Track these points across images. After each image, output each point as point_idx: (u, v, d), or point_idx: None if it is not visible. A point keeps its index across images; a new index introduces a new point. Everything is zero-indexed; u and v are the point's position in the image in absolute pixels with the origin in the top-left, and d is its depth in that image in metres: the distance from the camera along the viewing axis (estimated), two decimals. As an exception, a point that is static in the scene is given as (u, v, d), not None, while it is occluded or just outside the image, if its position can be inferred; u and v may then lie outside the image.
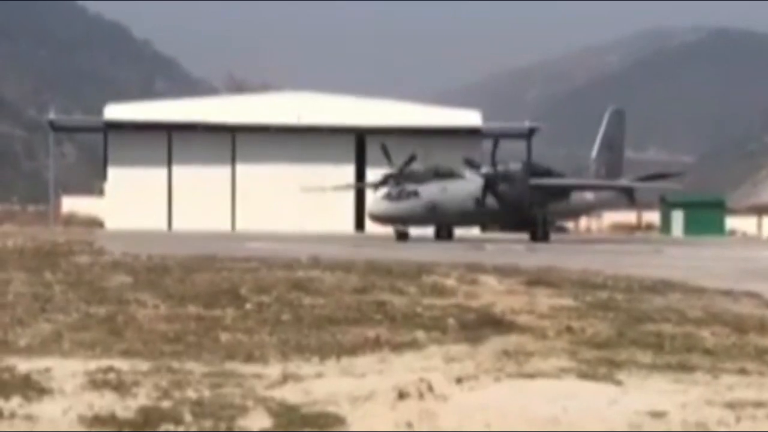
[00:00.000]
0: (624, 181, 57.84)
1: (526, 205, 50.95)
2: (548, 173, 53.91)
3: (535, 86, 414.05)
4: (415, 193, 50.49)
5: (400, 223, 50.28)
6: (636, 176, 60.69)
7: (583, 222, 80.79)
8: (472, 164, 51.44)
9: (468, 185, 50.88)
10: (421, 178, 51.18)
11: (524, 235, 52.71)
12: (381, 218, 50.63)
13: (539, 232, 51.32)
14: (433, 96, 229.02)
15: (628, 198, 58.38)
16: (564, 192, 53.46)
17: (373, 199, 52.19)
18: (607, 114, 62.79)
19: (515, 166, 51.66)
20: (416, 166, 52.21)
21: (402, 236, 49.59)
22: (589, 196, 57.12)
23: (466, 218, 52.22)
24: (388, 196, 50.76)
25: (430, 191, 50.70)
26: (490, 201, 50.61)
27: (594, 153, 61.18)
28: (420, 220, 50.77)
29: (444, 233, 52.75)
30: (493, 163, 50.95)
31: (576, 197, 55.26)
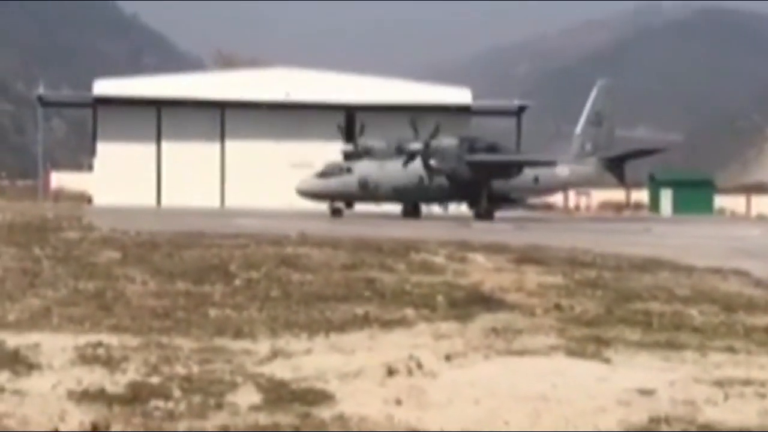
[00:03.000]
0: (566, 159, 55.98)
1: (464, 181, 50.08)
2: (492, 149, 52.86)
3: (525, 63, 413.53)
4: (348, 170, 50.15)
5: (330, 199, 50.00)
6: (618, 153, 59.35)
7: (572, 200, 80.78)
8: (415, 128, 50.27)
9: (411, 162, 50.20)
10: (382, 155, 50.86)
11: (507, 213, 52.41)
12: (308, 195, 50.16)
13: (481, 209, 50.44)
14: (423, 72, 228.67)
15: (617, 176, 57.70)
16: (513, 168, 51.70)
17: (304, 176, 51.45)
18: (595, 88, 60.91)
19: (449, 142, 50.41)
20: (378, 143, 51.86)
21: (336, 212, 49.44)
22: (562, 172, 55.65)
23: (403, 195, 51.19)
24: (320, 173, 50.48)
25: (365, 168, 50.28)
26: (429, 177, 49.89)
27: (578, 128, 59.69)
28: (351, 196, 50.26)
29: (409, 210, 52.30)
30: (426, 140, 49.87)
31: (545, 174, 53.91)
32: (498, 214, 51.80)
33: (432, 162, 49.64)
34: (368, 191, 50.24)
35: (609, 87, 61.36)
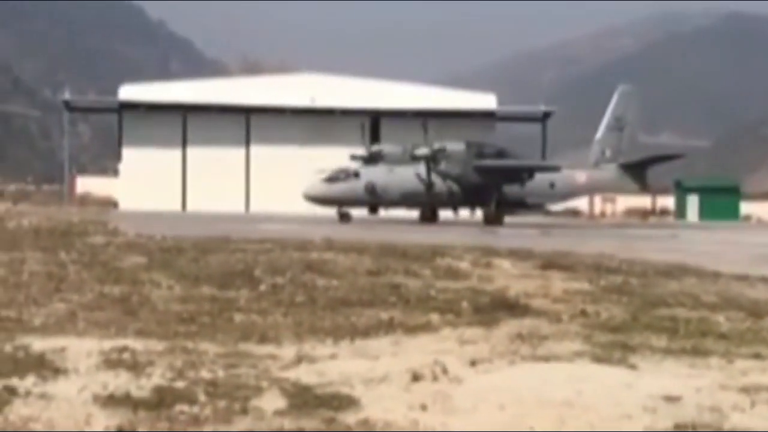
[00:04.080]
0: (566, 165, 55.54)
1: (472, 186, 50.00)
2: (500, 154, 52.59)
3: (550, 69, 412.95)
4: (356, 175, 50.13)
5: (336, 204, 49.92)
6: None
7: (598, 206, 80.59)
8: (425, 131, 50.18)
9: (419, 167, 50.11)
10: (396, 160, 50.84)
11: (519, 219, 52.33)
12: (314, 200, 50.10)
13: (490, 214, 50.38)
14: (447, 78, 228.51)
15: (638, 182, 57.10)
16: (523, 173, 51.58)
17: (311, 181, 51.39)
18: (616, 94, 59.86)
19: (455, 147, 50.36)
20: (393, 149, 51.87)
21: (344, 217, 49.27)
22: (580, 178, 55.36)
23: (411, 199, 51.14)
24: (327, 178, 50.43)
25: (373, 173, 50.24)
26: (438, 183, 49.96)
27: (599, 134, 59.03)
28: (358, 201, 50.25)
29: (427, 215, 52.22)
30: (429, 144, 49.82)
31: (561, 180, 53.59)
32: (521, 219, 51.68)
33: (440, 167, 49.63)
34: (375, 196, 50.18)
35: (630, 92, 60.63)
